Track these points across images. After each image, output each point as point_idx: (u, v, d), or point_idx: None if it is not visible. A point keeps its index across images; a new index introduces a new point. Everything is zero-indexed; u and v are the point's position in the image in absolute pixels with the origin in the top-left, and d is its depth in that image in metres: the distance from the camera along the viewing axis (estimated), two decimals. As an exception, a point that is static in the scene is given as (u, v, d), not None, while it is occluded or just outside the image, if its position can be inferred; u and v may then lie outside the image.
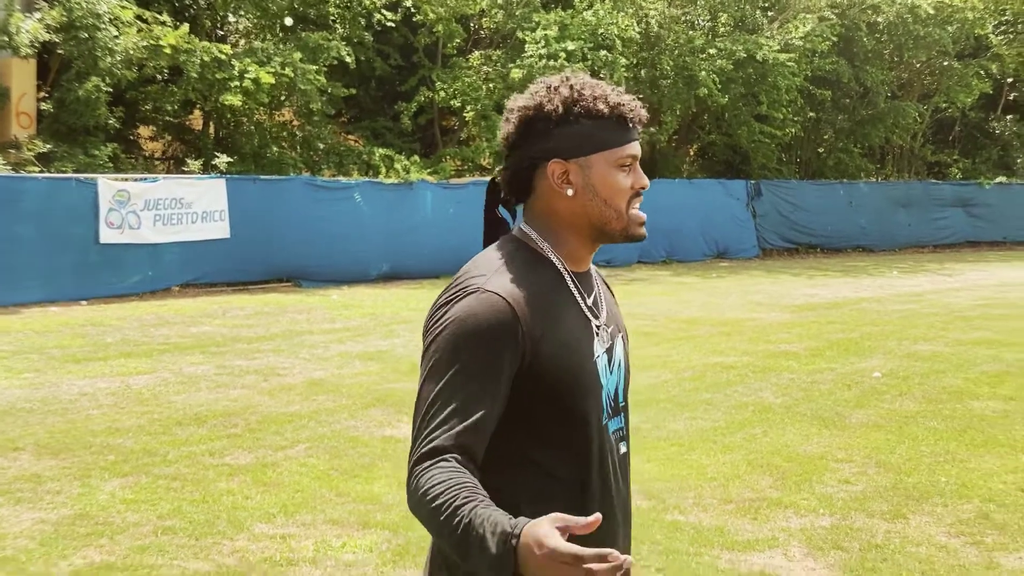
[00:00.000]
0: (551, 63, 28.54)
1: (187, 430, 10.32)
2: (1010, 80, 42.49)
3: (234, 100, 24.37)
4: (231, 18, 29.25)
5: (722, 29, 34.95)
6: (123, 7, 23.66)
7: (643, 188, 2.72)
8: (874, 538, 7.17)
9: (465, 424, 2.43)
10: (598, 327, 2.70)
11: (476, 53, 31.36)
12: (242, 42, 28.13)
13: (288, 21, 27.47)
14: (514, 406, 2.53)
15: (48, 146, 22.67)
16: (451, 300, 2.58)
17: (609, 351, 2.71)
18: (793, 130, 35.98)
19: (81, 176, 21.51)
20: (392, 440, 9.97)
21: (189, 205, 22.77)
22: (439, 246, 26.91)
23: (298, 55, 25.76)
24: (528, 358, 2.52)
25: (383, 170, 27.72)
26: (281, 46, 26.36)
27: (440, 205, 27.60)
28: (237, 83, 24.50)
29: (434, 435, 2.42)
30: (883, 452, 9.46)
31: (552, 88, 2.70)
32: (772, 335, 16.44)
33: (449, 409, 2.44)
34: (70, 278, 20.83)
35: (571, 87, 2.68)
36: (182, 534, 7.28)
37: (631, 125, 2.70)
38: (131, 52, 23.45)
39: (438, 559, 2.67)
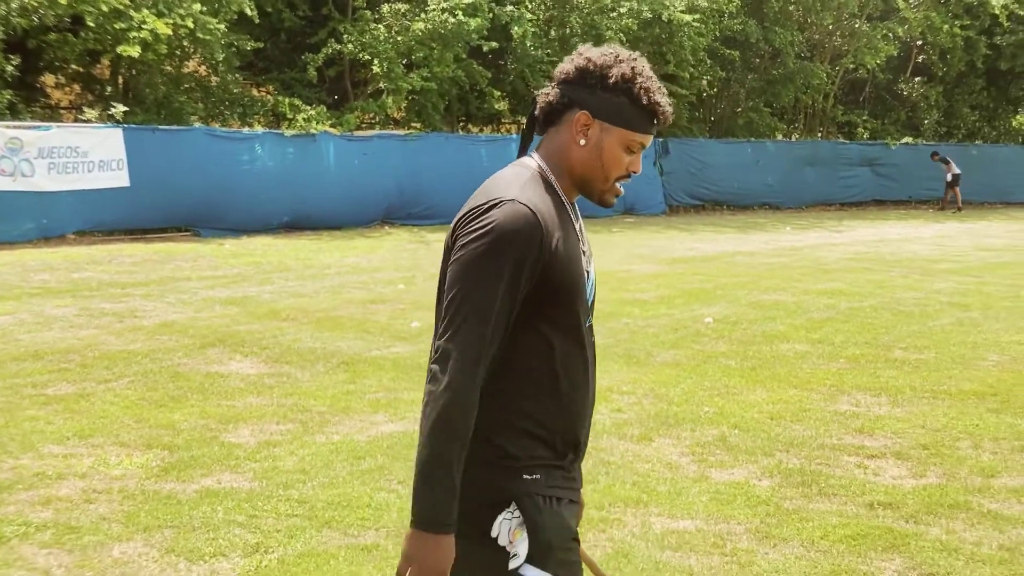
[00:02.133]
0: (451, 18, 28.92)
1: (20, 365, 10.73)
2: (919, 43, 43.16)
3: (132, 51, 24.45)
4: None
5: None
6: (18, -48, 23.67)
7: (634, 172, 3.16)
8: (611, 456, 7.73)
9: (500, 329, 2.94)
10: (584, 250, 3.20)
11: (386, 7, 31.53)
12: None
13: None
14: (530, 298, 2.99)
15: (-59, 93, 22.75)
16: (488, 208, 2.96)
17: (588, 269, 3.21)
18: (699, 86, 36.46)
19: (-29, 123, 21.68)
20: (215, 375, 10.41)
21: (85, 154, 22.99)
22: (342, 197, 27.40)
23: (197, 6, 25.83)
24: (546, 261, 2.96)
25: (289, 119, 27.92)
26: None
27: (343, 157, 27.97)
28: (136, 34, 24.55)
29: (480, 340, 2.91)
30: (667, 386, 10.01)
31: (619, 59, 3.10)
32: (633, 285, 16.93)
33: (491, 313, 2.91)
34: (-42, 225, 21.04)
35: (632, 69, 3.09)
36: (-31, 454, 7.74)
37: (655, 122, 3.13)
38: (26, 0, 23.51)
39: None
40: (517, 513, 3.00)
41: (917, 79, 44.77)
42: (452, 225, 3.07)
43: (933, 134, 44.26)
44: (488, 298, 2.89)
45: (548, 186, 3.11)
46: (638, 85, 3.07)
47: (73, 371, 10.51)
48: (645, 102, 3.08)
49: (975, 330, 13.26)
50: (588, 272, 3.19)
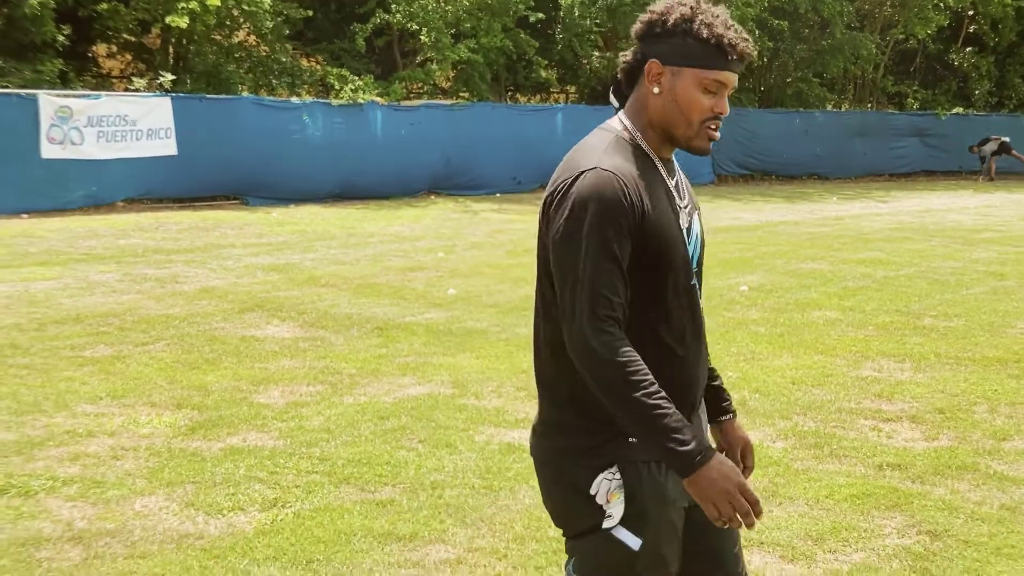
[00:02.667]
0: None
1: (61, 328, 10.97)
2: (970, 13, 42.79)
3: (180, 22, 24.68)
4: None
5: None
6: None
7: (720, 113, 3.12)
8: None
9: (616, 290, 2.98)
10: (681, 206, 3.20)
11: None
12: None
13: None
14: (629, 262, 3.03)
15: (-4, 63, 23.07)
16: (572, 182, 3.01)
17: (689, 226, 3.22)
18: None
19: (22, 91, 21.97)
20: (250, 339, 10.62)
21: (134, 122, 23.24)
22: (389, 167, 27.51)
23: (246, -23, 26.05)
24: (637, 221, 2.99)
25: (337, 90, 28.04)
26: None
27: (391, 127, 28.10)
28: (184, 5, 24.77)
29: (608, 300, 2.97)
30: (693, 352, 10.08)
31: (680, 3, 3.09)
32: (672, 253, 16.94)
33: (600, 280, 2.96)
34: (10, 192, 21.41)
35: (691, 8, 3.07)
36: (5, 412, 7.94)
37: (729, 57, 3.07)
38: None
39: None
40: (618, 476, 3.07)
41: (968, 49, 44.21)
42: (543, 199, 3.14)
43: (984, 104, 43.87)
44: (594, 268, 2.96)
45: (635, 147, 3.15)
46: (698, 21, 3.06)
47: (111, 334, 10.73)
48: (706, 35, 3.05)
49: (1008, 298, 13.26)
50: (689, 229, 3.23)
